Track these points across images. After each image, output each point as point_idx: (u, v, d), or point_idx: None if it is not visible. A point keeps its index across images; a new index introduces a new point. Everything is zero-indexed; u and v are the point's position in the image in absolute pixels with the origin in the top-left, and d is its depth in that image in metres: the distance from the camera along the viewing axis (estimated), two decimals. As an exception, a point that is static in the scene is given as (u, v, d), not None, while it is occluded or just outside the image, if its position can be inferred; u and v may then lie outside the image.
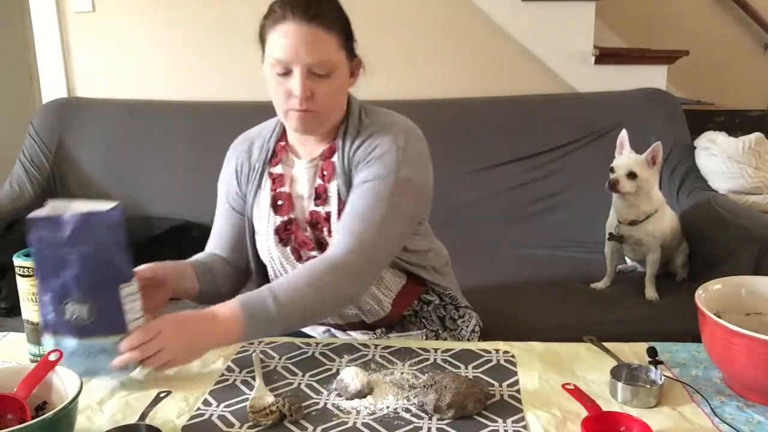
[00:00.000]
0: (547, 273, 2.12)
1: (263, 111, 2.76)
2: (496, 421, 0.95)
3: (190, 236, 2.21)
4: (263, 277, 1.38)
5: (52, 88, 2.71)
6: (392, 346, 1.19)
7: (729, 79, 3.30)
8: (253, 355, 1.15)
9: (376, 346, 1.19)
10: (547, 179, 2.42)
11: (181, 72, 2.68)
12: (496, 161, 2.43)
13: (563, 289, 2.01)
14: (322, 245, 1.28)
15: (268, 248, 1.32)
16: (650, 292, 1.95)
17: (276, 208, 1.31)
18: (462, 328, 1.39)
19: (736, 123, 2.96)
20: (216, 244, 1.41)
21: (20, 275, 1.10)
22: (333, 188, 1.27)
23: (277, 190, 1.31)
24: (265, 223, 1.32)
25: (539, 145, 2.43)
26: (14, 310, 1.77)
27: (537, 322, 1.74)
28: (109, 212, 1.00)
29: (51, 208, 1.03)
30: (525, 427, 0.94)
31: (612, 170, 1.91)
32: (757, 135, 2.22)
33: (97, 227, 0.99)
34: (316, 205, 1.28)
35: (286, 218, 1.30)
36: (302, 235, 1.29)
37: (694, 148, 2.37)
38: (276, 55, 1.19)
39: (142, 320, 1.05)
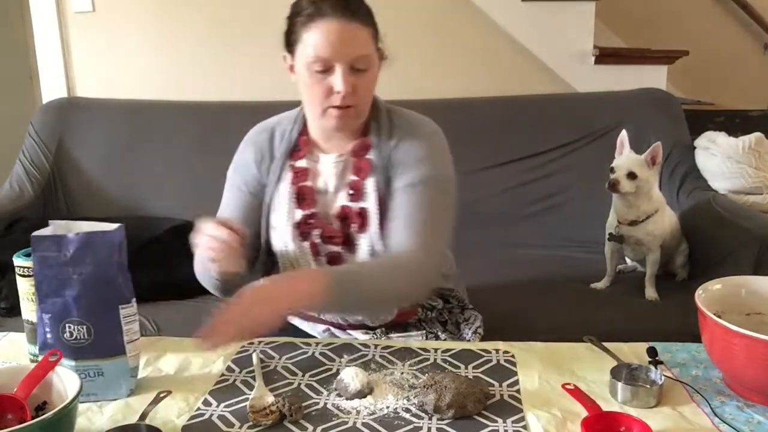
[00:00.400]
0: (547, 273, 2.12)
1: (263, 111, 2.76)
2: (496, 421, 0.95)
3: (189, 236, 2.21)
4: (270, 270, 1.36)
5: (52, 88, 2.71)
6: (392, 346, 1.19)
7: (729, 79, 3.30)
8: (253, 355, 1.15)
9: (376, 346, 1.19)
10: (547, 179, 2.42)
11: (181, 72, 2.68)
12: (496, 161, 2.43)
13: (563, 289, 2.01)
14: (349, 240, 1.28)
15: (284, 242, 1.31)
16: (650, 292, 1.95)
17: (298, 201, 1.30)
18: (463, 331, 1.39)
19: (736, 123, 2.97)
20: None
21: (20, 275, 1.10)
22: (370, 185, 1.27)
23: (300, 184, 1.30)
24: (284, 216, 1.30)
25: (539, 145, 2.43)
26: (14, 310, 1.77)
27: (537, 322, 1.74)
28: (111, 233, 1.01)
29: (54, 227, 1.04)
30: (525, 427, 0.94)
31: (612, 170, 1.91)
32: (757, 135, 2.22)
33: (99, 248, 1.00)
34: (351, 200, 1.28)
35: (308, 212, 1.29)
36: (329, 228, 1.29)
37: (694, 148, 2.37)
38: (317, 53, 1.17)
39: (139, 342, 1.05)
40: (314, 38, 1.17)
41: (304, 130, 1.34)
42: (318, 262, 1.30)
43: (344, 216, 1.28)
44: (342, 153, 1.30)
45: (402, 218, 1.25)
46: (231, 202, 1.36)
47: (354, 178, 1.29)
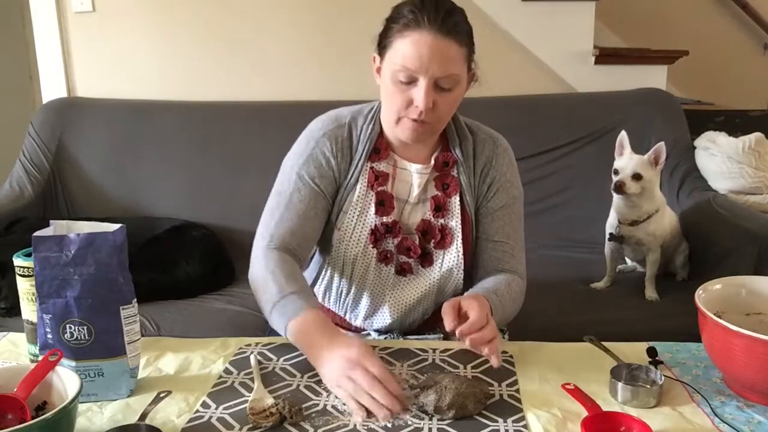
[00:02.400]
0: (547, 273, 2.12)
1: (263, 111, 2.76)
2: (497, 421, 0.95)
3: (189, 236, 2.21)
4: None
5: (52, 88, 2.71)
6: (390, 347, 1.19)
7: (729, 79, 3.30)
8: (251, 356, 1.14)
9: (374, 347, 1.19)
10: (547, 179, 2.42)
11: (181, 72, 2.68)
12: (496, 161, 2.43)
13: (563, 289, 2.01)
14: (425, 254, 1.28)
15: (349, 244, 1.27)
16: (650, 292, 1.95)
17: (378, 207, 1.27)
18: None
19: (736, 123, 2.96)
20: (297, 233, 1.24)
21: (20, 275, 1.10)
22: (455, 202, 1.27)
23: (379, 189, 1.27)
24: (356, 218, 1.27)
25: (539, 145, 2.43)
26: (14, 310, 1.77)
27: (537, 322, 1.74)
28: (112, 233, 1.01)
29: (55, 227, 1.04)
30: (525, 426, 0.94)
31: (616, 172, 1.90)
32: (757, 135, 2.23)
33: (101, 248, 1.00)
34: (435, 217, 1.27)
35: (388, 220, 1.27)
36: (409, 241, 1.27)
37: (694, 148, 2.37)
38: (405, 63, 1.14)
39: (140, 342, 1.06)
40: (405, 47, 1.14)
41: (381, 131, 1.29)
42: (383, 271, 1.29)
43: (425, 230, 1.28)
44: (427, 164, 1.28)
45: (501, 241, 1.30)
46: (305, 198, 1.25)
47: (438, 193, 1.28)
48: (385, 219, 1.26)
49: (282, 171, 1.30)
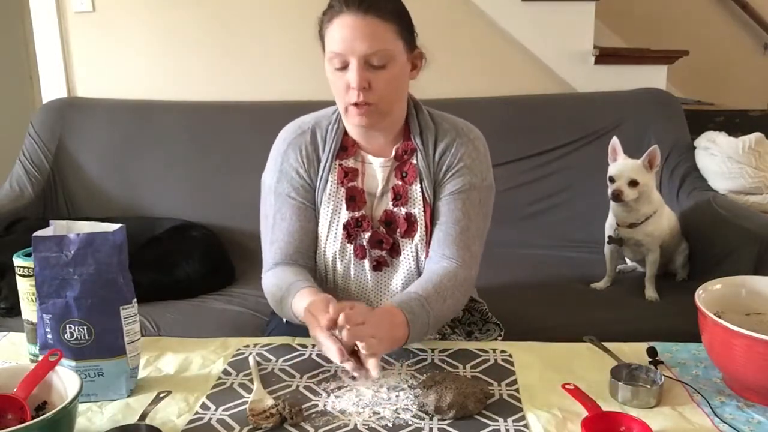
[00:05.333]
0: (547, 273, 2.12)
1: (263, 111, 2.76)
2: (497, 421, 0.95)
3: (190, 236, 2.21)
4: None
5: (52, 88, 2.71)
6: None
7: (729, 79, 3.30)
8: (250, 357, 1.14)
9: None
10: (547, 179, 2.42)
11: (181, 72, 2.68)
12: (496, 161, 2.37)
13: (563, 289, 2.01)
14: (395, 246, 1.28)
15: (326, 242, 1.29)
16: (650, 292, 1.95)
17: (348, 202, 1.28)
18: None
19: (736, 123, 2.96)
20: (289, 249, 1.29)
21: (20, 275, 1.10)
22: (416, 190, 1.28)
23: (349, 185, 1.29)
24: (330, 216, 1.29)
25: (539, 145, 2.43)
26: (14, 310, 1.77)
27: (537, 322, 1.74)
28: (112, 234, 1.01)
29: (55, 227, 1.05)
30: (526, 426, 0.94)
31: (611, 180, 1.90)
32: (757, 135, 2.23)
33: (100, 248, 1.00)
34: (395, 206, 1.28)
35: (358, 214, 1.28)
36: (378, 234, 1.28)
37: (694, 148, 2.37)
38: (333, 48, 1.18)
39: (140, 342, 1.06)
40: (332, 34, 1.19)
41: (346, 130, 1.32)
42: (361, 266, 1.30)
43: (389, 221, 1.28)
44: (389, 157, 1.29)
45: (445, 227, 1.27)
46: (286, 215, 1.30)
47: (398, 182, 1.28)
48: (356, 214, 1.28)
49: (262, 192, 1.34)
